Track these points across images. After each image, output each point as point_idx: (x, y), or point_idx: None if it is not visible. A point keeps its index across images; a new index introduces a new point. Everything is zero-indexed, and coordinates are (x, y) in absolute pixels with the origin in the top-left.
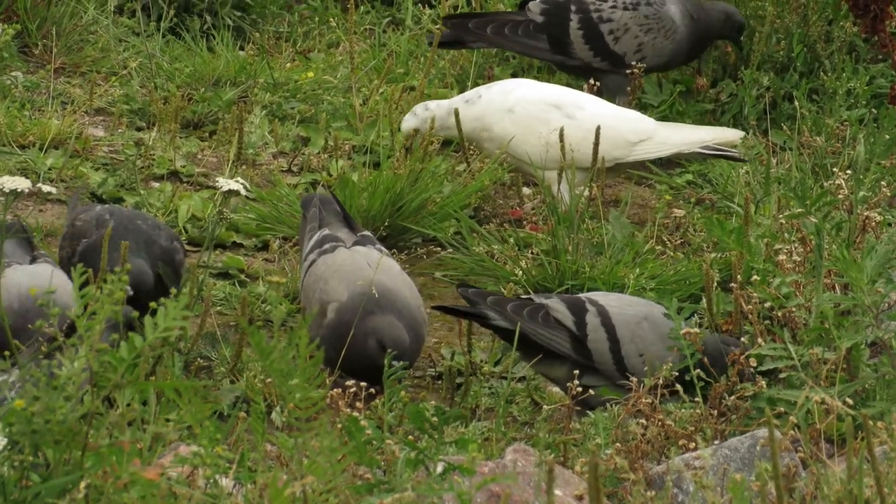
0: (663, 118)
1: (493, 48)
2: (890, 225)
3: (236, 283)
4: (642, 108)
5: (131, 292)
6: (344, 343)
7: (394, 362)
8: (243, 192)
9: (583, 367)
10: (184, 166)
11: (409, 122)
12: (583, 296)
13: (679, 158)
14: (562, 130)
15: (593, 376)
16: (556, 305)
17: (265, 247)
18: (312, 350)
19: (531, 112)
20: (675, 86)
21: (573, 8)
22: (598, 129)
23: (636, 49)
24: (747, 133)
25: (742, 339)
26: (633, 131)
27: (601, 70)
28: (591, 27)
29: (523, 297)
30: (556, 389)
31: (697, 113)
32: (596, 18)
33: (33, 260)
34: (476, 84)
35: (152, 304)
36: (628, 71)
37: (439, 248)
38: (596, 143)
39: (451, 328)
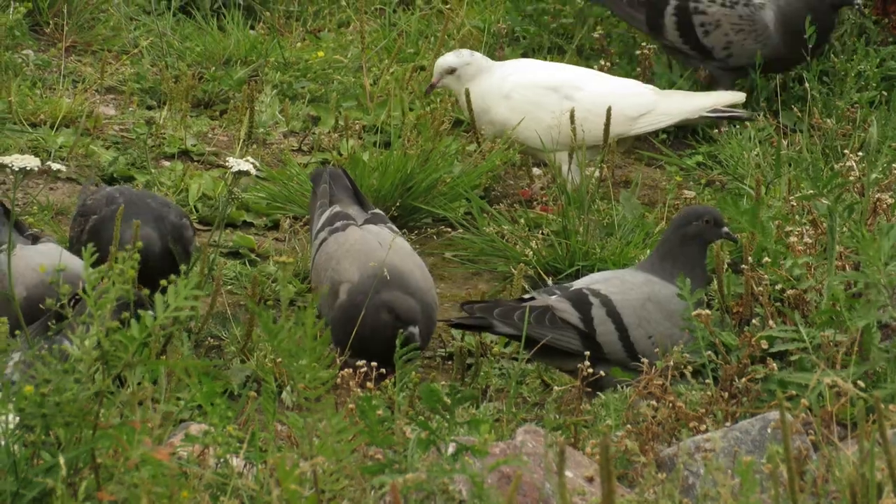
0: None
1: (598, 5)
2: None
3: (247, 263)
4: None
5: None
6: (355, 324)
7: (407, 335)
8: (254, 172)
9: (593, 359)
10: (194, 145)
11: (448, 59)
12: (584, 287)
13: (686, 124)
14: (572, 112)
15: (604, 365)
16: (561, 304)
17: (276, 226)
18: (320, 329)
19: (528, 97)
20: (689, 69)
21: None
22: (609, 109)
23: (724, 46)
24: (757, 114)
25: (753, 321)
26: (632, 106)
27: (690, 56)
28: (684, 16)
29: (525, 297)
30: None
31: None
32: (691, 9)
33: (34, 239)
34: None
35: (163, 282)
36: (717, 63)
37: (449, 229)
38: (607, 124)
39: (458, 287)
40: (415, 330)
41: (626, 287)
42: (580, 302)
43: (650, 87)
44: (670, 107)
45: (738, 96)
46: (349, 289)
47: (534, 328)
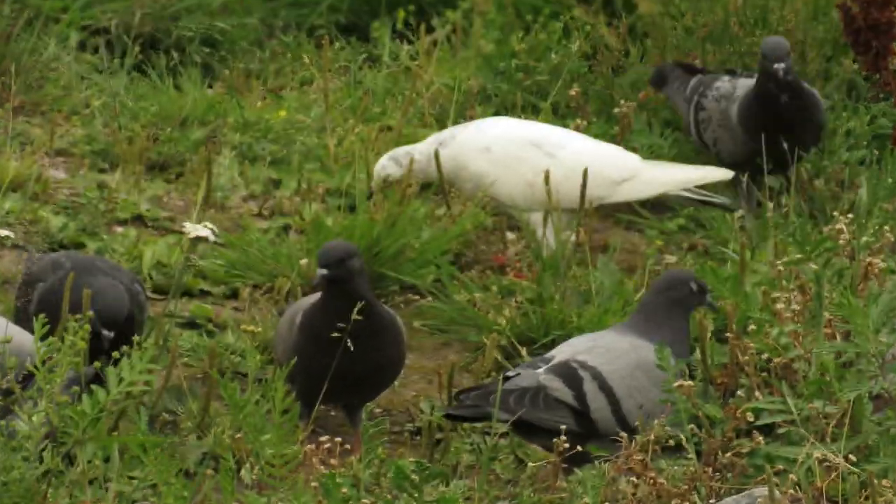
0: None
1: (666, 97)
2: (893, 272)
3: (204, 334)
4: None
5: (110, 335)
6: (316, 333)
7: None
8: (212, 237)
9: (584, 436)
10: (149, 210)
11: (389, 169)
12: (571, 360)
13: (665, 202)
14: (547, 172)
15: (595, 441)
16: (553, 384)
17: (234, 295)
18: (287, 404)
19: (509, 151)
20: (668, 128)
21: (700, 90)
22: (586, 171)
23: (714, 142)
24: (741, 176)
25: (738, 392)
26: (616, 169)
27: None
28: (697, 112)
29: (509, 374)
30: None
31: (692, 153)
32: (700, 104)
33: None
34: (457, 123)
35: (115, 354)
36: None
37: (418, 297)
38: (583, 186)
39: (430, 381)
40: (322, 272)
41: (613, 356)
42: (571, 378)
43: (636, 155)
44: (655, 175)
45: (726, 173)
46: (306, 310)
47: (529, 412)
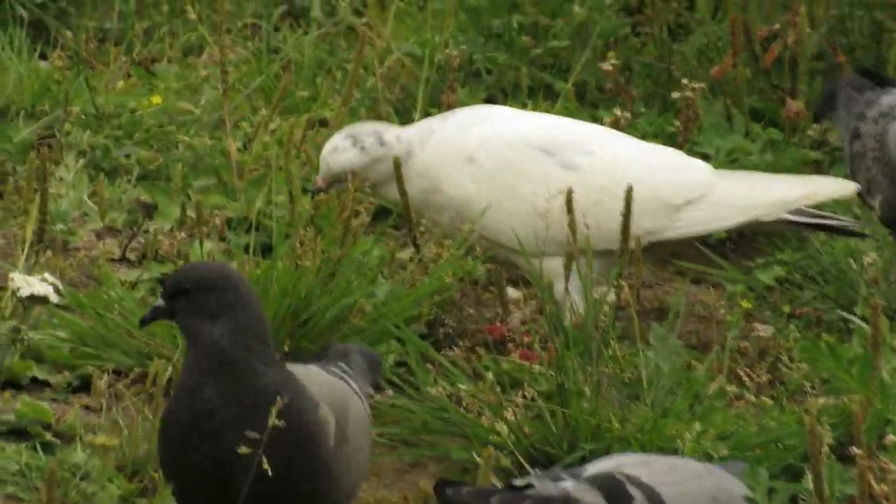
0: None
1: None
2: None
3: (38, 447)
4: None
5: None
6: (176, 426)
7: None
8: (54, 298)
9: None
10: None
11: (344, 155)
12: (616, 472)
13: (757, 232)
14: (568, 194)
15: None
16: (586, 496)
17: (85, 386)
18: None
19: (507, 161)
20: (758, 122)
21: (861, 111)
22: (630, 189)
23: (866, 184)
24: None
25: None
26: (674, 188)
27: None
28: (852, 142)
29: (517, 485)
30: None
31: (794, 162)
32: (856, 131)
33: None
34: (428, 115)
35: None
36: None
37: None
38: (626, 214)
39: (388, 486)
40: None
41: (680, 477)
42: (616, 493)
43: (706, 164)
44: (735, 194)
45: (847, 186)
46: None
47: None
